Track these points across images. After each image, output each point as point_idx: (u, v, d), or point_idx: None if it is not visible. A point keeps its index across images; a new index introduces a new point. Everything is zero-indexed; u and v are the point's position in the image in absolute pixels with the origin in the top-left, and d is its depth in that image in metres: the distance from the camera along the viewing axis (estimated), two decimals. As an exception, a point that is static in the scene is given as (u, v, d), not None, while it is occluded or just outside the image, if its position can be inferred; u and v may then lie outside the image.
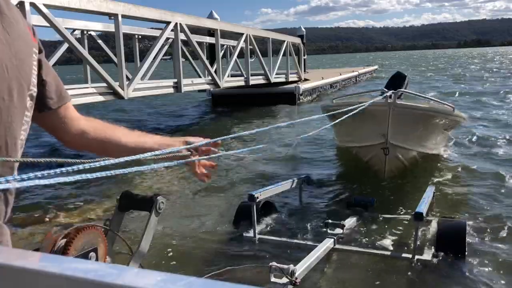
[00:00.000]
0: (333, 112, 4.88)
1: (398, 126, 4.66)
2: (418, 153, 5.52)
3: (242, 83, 12.95)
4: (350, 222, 3.94)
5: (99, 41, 11.10)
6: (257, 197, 3.99)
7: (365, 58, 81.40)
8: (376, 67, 36.57)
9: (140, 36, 11.67)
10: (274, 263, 2.86)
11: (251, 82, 13.16)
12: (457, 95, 16.20)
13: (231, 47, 14.08)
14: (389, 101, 4.48)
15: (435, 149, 6.19)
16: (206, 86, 11.48)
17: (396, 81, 7.14)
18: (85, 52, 7.45)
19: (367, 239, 3.92)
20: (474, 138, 8.15)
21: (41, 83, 1.00)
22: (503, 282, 3.19)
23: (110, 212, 4.46)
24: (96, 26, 10.31)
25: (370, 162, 5.34)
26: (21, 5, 5.73)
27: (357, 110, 3.45)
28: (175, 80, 9.40)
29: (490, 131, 9.06)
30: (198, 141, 1.28)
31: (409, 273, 3.34)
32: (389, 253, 3.65)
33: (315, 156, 7.48)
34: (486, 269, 3.35)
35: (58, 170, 0.67)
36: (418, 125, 4.97)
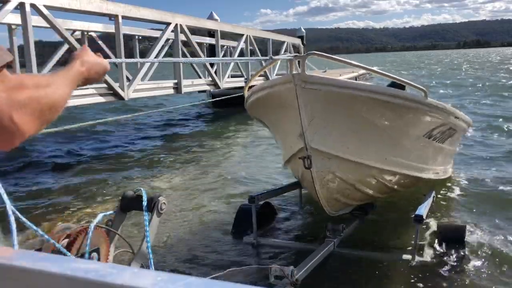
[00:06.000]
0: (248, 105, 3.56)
1: (320, 116, 2.88)
2: (380, 170, 3.41)
3: (243, 84, 12.95)
4: (350, 224, 3.94)
5: (99, 42, 11.11)
6: (258, 199, 3.99)
7: (369, 60, 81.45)
8: (376, 68, 36.52)
9: (140, 37, 11.69)
10: (274, 265, 2.87)
11: (252, 83, 13.13)
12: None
13: (231, 48, 14.08)
14: (293, 72, 2.77)
15: (421, 170, 3.95)
16: (206, 87, 11.49)
17: None
18: (85, 53, 7.44)
19: (367, 241, 3.91)
20: (475, 141, 8.14)
21: None
22: (502, 285, 3.19)
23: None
24: (96, 27, 10.32)
25: (307, 189, 3.70)
26: (21, 6, 5.74)
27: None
28: (175, 81, 9.41)
29: (491, 134, 9.06)
30: None
31: (409, 275, 3.34)
32: (389, 255, 3.65)
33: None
34: (486, 273, 3.34)
35: None
36: (357, 116, 3.00)
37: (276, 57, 3.30)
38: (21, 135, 0.78)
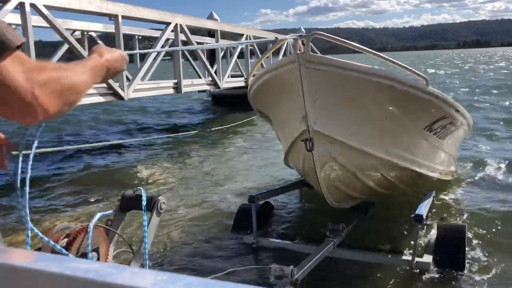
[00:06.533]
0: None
1: (323, 98, 2.83)
2: (380, 160, 3.34)
3: (242, 84, 12.95)
4: (350, 224, 3.94)
5: (99, 42, 11.12)
6: (257, 199, 3.99)
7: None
8: (376, 68, 36.44)
9: (140, 37, 11.69)
10: (274, 264, 2.87)
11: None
12: None
13: (231, 48, 14.09)
14: (297, 52, 2.71)
15: (421, 166, 3.82)
16: (206, 87, 11.50)
17: None
18: (85, 53, 7.45)
19: (367, 241, 3.91)
20: (475, 142, 8.13)
21: None
22: (502, 285, 3.19)
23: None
24: (96, 27, 10.33)
25: (306, 178, 3.73)
26: (21, 6, 5.74)
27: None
28: (175, 81, 9.41)
29: (492, 135, 9.06)
30: None
31: (409, 275, 3.34)
32: (389, 255, 3.65)
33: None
34: (486, 273, 3.34)
35: None
36: (360, 100, 2.97)
37: (282, 37, 3.29)
38: (43, 111, 0.85)
